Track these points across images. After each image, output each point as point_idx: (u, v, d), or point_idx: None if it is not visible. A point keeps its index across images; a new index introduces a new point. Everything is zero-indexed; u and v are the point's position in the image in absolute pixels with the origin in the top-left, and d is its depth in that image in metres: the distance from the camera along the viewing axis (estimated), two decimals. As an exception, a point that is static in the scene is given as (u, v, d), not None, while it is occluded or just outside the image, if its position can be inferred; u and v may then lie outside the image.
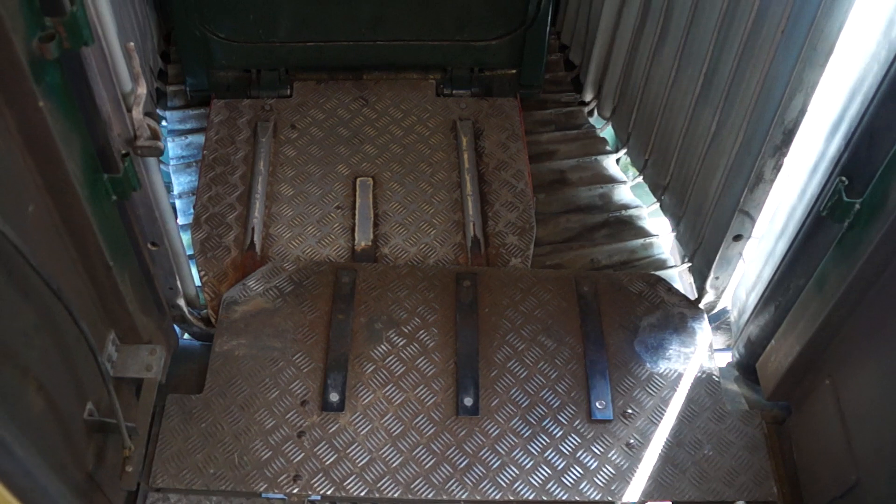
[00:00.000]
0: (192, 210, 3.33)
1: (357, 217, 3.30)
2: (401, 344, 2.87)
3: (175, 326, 2.90)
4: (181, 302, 2.85)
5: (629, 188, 3.61)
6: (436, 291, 3.01)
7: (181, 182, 3.55)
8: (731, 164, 2.81)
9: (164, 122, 3.74)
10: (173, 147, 3.65)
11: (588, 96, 3.93)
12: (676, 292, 3.07)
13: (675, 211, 3.31)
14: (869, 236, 2.20)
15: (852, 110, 2.27)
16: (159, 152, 2.27)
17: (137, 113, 2.20)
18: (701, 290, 3.07)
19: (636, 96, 3.48)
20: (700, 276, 3.09)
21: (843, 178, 2.29)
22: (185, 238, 3.19)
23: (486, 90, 3.79)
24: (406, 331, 2.90)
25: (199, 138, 3.65)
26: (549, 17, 3.64)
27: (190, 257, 3.02)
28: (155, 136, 2.25)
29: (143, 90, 2.22)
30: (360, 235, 3.24)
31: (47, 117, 1.78)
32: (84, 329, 1.90)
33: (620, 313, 3.00)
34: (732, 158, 2.80)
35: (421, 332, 2.90)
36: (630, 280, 3.10)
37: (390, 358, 2.83)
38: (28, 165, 1.84)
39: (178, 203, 3.46)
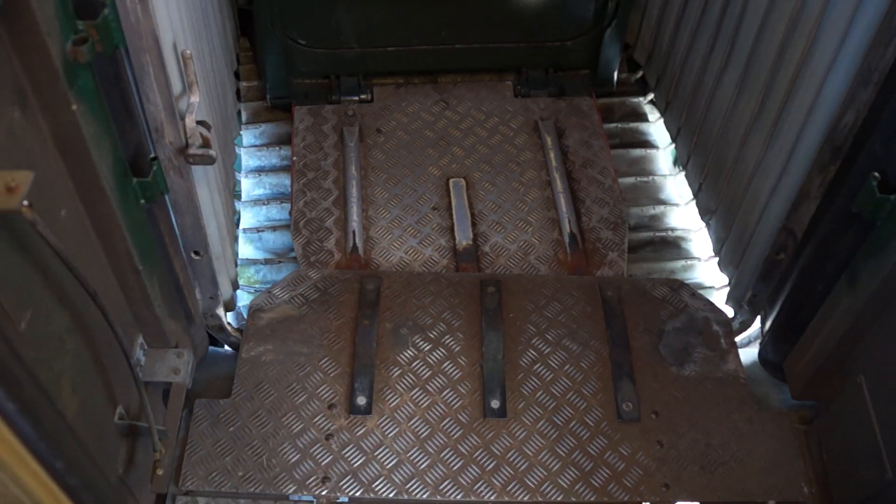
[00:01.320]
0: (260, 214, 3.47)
1: (455, 217, 3.37)
2: (427, 349, 2.89)
3: (207, 333, 2.93)
4: (220, 311, 2.89)
5: (681, 211, 3.61)
6: (460, 297, 3.03)
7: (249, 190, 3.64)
8: (777, 182, 2.79)
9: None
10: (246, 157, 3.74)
11: (654, 116, 3.93)
12: (700, 297, 3.08)
13: (720, 235, 3.30)
14: None
15: (856, 102, 2.27)
16: (210, 161, 2.31)
17: (190, 121, 2.25)
18: (739, 307, 3.07)
19: (699, 120, 3.47)
20: (739, 291, 3.08)
21: (876, 174, 2.28)
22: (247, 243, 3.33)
23: (560, 90, 3.86)
24: (432, 336, 2.92)
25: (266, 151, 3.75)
26: (626, 18, 3.70)
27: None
28: (206, 144, 2.29)
29: (196, 98, 2.26)
30: (460, 235, 3.30)
31: (80, 121, 1.81)
32: (118, 332, 1.93)
33: (644, 317, 3.00)
34: (778, 177, 2.79)
35: (446, 337, 2.92)
36: (653, 285, 3.10)
37: (416, 362, 2.85)
38: (60, 169, 1.87)
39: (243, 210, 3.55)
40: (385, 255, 3.24)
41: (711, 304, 3.06)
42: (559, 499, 2.59)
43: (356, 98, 3.80)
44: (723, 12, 3.14)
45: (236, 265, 3.19)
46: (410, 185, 3.48)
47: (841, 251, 2.52)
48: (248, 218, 3.55)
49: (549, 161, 3.56)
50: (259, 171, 3.71)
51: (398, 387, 2.79)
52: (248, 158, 3.73)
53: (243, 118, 3.88)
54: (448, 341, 2.91)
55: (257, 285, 3.31)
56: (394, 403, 2.75)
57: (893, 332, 2.33)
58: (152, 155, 2.17)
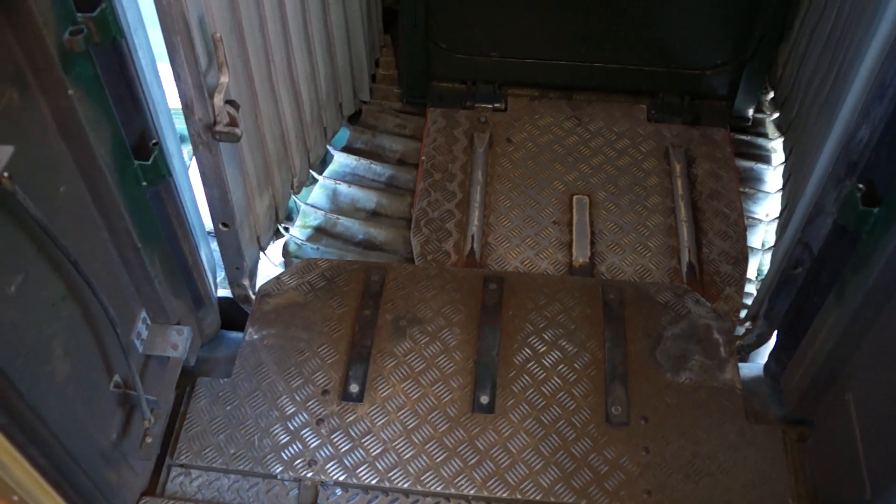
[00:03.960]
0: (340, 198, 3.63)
1: (574, 233, 3.41)
2: (423, 342, 2.96)
3: (219, 316, 3.05)
4: (246, 282, 3.02)
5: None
6: (462, 293, 3.09)
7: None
8: (794, 194, 2.78)
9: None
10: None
11: (777, 159, 3.88)
12: (704, 304, 3.09)
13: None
14: (885, 244, 2.19)
15: (871, 117, 2.26)
16: (236, 138, 2.42)
17: (219, 100, 2.36)
18: (755, 320, 3.07)
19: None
20: (757, 304, 3.08)
21: (860, 186, 2.28)
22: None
23: (694, 118, 3.84)
24: (430, 329, 2.99)
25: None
26: (770, 53, 3.67)
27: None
28: (233, 122, 2.41)
29: (225, 78, 2.37)
30: (577, 252, 3.35)
31: (77, 105, 1.93)
32: (103, 300, 2.04)
33: (645, 322, 3.03)
34: (800, 190, 2.78)
35: (444, 332, 2.99)
36: (658, 290, 3.12)
37: (412, 354, 2.92)
38: (61, 149, 1.99)
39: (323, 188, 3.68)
40: (500, 263, 3.32)
41: (715, 312, 3.07)
42: (538, 498, 2.63)
43: (490, 106, 3.88)
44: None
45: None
46: (534, 196, 3.55)
47: (833, 264, 2.52)
48: (334, 164, 3.73)
49: (676, 188, 3.56)
50: (370, 127, 3.87)
51: (391, 377, 2.87)
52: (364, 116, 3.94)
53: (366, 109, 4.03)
54: (445, 335, 2.98)
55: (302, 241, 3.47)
56: (385, 393, 2.83)
57: (879, 350, 2.33)
58: (154, 140, 2.28)
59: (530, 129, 3.81)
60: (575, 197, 3.54)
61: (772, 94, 3.99)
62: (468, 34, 3.76)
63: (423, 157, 3.68)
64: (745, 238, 3.40)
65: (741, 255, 3.34)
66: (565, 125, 3.83)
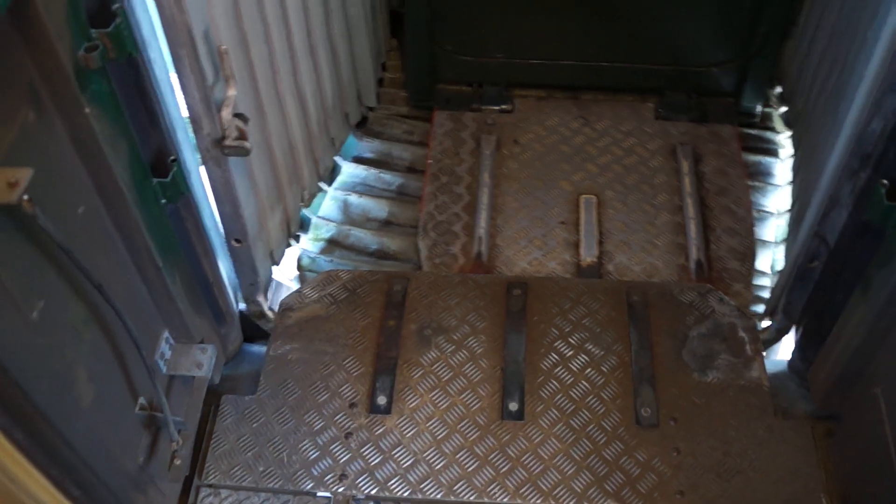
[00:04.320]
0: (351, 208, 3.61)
1: (582, 233, 3.39)
2: (449, 350, 2.93)
3: (241, 332, 3.03)
4: (261, 298, 2.99)
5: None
6: (486, 300, 3.06)
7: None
8: (809, 190, 2.76)
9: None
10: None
11: (786, 153, 3.84)
12: (728, 303, 3.05)
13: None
14: None
15: (883, 109, 2.24)
16: (245, 152, 2.40)
17: (227, 114, 2.34)
18: (773, 314, 3.04)
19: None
20: (775, 299, 3.06)
21: (885, 182, 2.25)
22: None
23: (701, 116, 3.82)
24: (455, 337, 2.96)
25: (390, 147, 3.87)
26: (776, 49, 3.66)
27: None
28: (242, 136, 2.38)
29: (232, 92, 2.35)
30: (585, 251, 3.33)
31: (93, 123, 1.91)
32: (128, 323, 2.02)
33: (669, 323, 2.99)
34: (815, 183, 2.77)
35: (470, 339, 2.96)
36: (681, 290, 3.09)
37: (438, 364, 2.89)
38: (77, 168, 1.97)
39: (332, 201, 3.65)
40: (508, 265, 3.29)
41: (739, 310, 3.04)
42: (572, 503, 2.60)
43: (497, 108, 3.86)
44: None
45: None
46: (541, 197, 3.52)
47: (857, 260, 2.50)
48: (343, 174, 3.71)
49: (684, 186, 3.54)
50: (377, 136, 3.85)
51: (419, 388, 2.84)
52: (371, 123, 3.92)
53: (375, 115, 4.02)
54: (471, 343, 2.95)
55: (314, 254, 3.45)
56: (413, 404, 2.80)
57: None
58: (172, 157, 2.26)
59: (537, 129, 3.79)
60: (582, 197, 3.51)
61: (779, 89, 3.96)
62: (473, 36, 3.75)
63: (429, 161, 3.66)
64: (753, 234, 3.37)
65: (749, 251, 3.30)
66: (572, 125, 3.80)
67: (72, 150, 1.94)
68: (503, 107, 3.86)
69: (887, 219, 2.25)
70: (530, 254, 3.32)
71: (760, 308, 3.23)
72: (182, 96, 2.30)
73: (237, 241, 2.73)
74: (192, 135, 2.45)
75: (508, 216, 3.46)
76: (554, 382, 2.85)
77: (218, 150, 2.41)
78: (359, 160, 3.78)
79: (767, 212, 3.57)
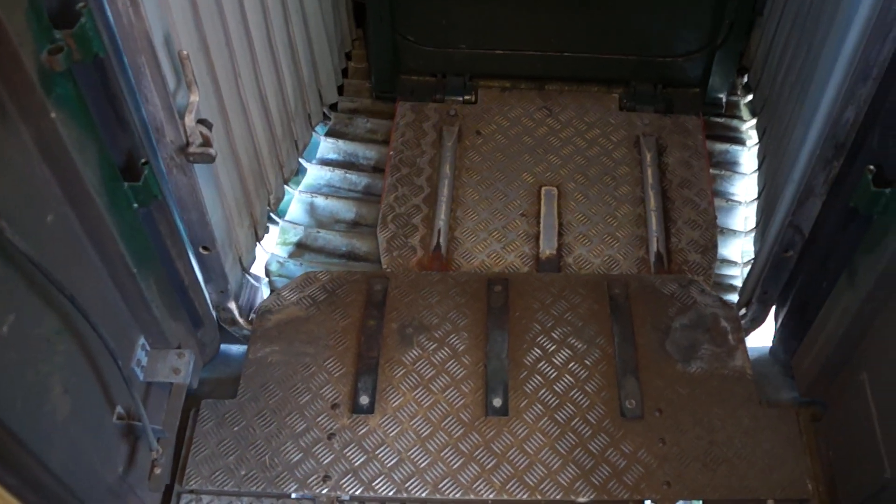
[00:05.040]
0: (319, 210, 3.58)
1: (542, 225, 3.37)
2: (431, 348, 2.90)
3: (218, 333, 2.99)
4: (232, 305, 2.95)
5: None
6: (467, 297, 3.04)
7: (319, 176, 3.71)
8: (783, 180, 2.76)
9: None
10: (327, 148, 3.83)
11: (752, 141, 3.84)
12: (710, 293, 3.05)
13: None
14: None
15: (856, 97, 2.24)
16: (210, 159, 2.36)
17: (190, 120, 2.30)
18: (748, 305, 3.04)
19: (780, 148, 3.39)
20: (749, 288, 3.05)
21: (871, 167, 2.25)
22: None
23: (667, 106, 3.80)
24: (437, 335, 2.94)
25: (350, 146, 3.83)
26: (741, 39, 3.65)
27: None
28: (206, 143, 2.34)
29: (195, 97, 2.30)
30: (544, 244, 3.30)
31: (60, 128, 1.86)
32: (102, 333, 1.98)
33: (652, 314, 2.98)
34: (785, 174, 2.76)
35: (451, 337, 2.93)
36: (662, 282, 3.08)
37: (420, 362, 2.87)
38: (46, 176, 1.92)
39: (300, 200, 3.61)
40: (467, 257, 3.27)
41: (721, 300, 3.03)
42: (558, 497, 2.59)
43: (460, 98, 3.84)
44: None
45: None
46: (502, 189, 3.50)
47: (842, 247, 2.50)
48: (308, 177, 3.68)
49: (646, 178, 3.52)
50: (341, 136, 3.81)
51: (401, 386, 2.81)
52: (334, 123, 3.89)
53: (340, 107, 3.99)
54: (453, 340, 2.92)
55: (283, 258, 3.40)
56: (396, 403, 2.77)
57: (894, 329, 2.30)
58: (143, 160, 2.22)
59: (500, 120, 3.76)
60: (543, 188, 3.49)
61: (745, 78, 3.96)
62: (436, 26, 3.71)
63: (391, 153, 3.63)
64: (715, 226, 3.36)
65: (710, 243, 3.29)
66: (536, 116, 3.78)
67: (38, 158, 1.88)
68: (466, 97, 3.83)
69: (874, 205, 2.24)
70: (489, 246, 3.30)
71: (731, 297, 3.22)
72: (142, 103, 2.25)
73: (205, 248, 2.68)
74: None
75: (468, 208, 3.43)
76: (537, 377, 2.83)
77: (182, 157, 2.35)
78: (324, 162, 3.75)
79: (735, 200, 3.56)
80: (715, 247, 3.29)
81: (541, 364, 2.86)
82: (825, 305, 2.58)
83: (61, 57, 1.79)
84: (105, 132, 2.07)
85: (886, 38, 2.14)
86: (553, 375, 2.83)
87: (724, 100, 3.82)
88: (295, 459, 2.65)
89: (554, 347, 2.90)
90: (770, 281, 2.88)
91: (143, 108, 2.22)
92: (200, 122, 2.35)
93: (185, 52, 2.26)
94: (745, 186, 3.64)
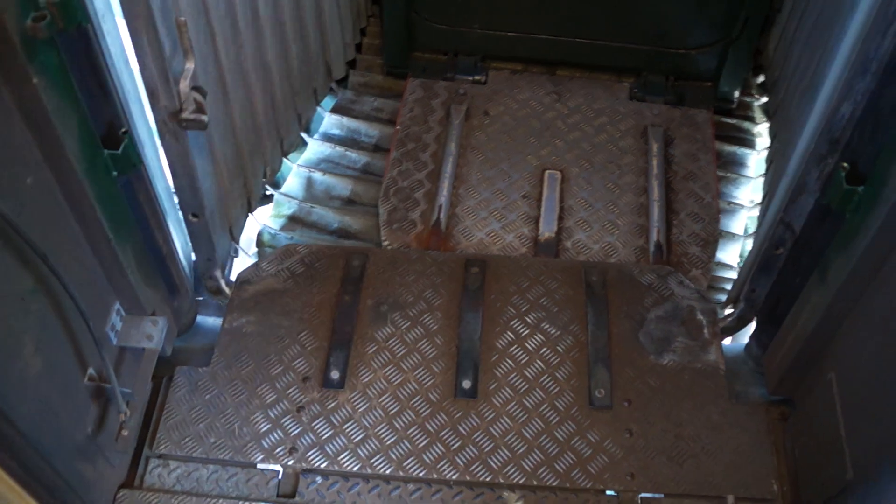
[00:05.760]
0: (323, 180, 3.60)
1: (543, 208, 3.39)
2: (405, 326, 2.93)
3: (195, 303, 3.02)
4: (218, 273, 2.97)
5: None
6: (444, 277, 3.06)
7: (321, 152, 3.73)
8: (776, 176, 2.75)
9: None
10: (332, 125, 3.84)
11: (762, 144, 3.83)
12: (688, 285, 3.07)
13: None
14: (869, 224, 2.17)
15: (853, 92, 2.23)
16: (203, 126, 2.37)
17: (185, 86, 2.31)
18: (735, 302, 3.05)
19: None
20: (738, 286, 3.06)
21: (845, 164, 2.26)
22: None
23: (678, 99, 3.80)
24: (411, 314, 2.96)
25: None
26: (756, 34, 3.63)
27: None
28: (200, 109, 2.35)
29: (191, 64, 2.31)
30: (544, 226, 3.33)
31: (41, 94, 1.88)
32: (73, 293, 2.00)
33: (628, 304, 3.00)
34: (783, 169, 2.76)
35: (425, 316, 2.96)
36: (640, 271, 3.10)
37: (393, 340, 2.89)
38: (27, 139, 1.94)
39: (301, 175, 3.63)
40: (466, 234, 3.30)
41: (699, 293, 3.05)
42: (521, 481, 2.62)
43: (471, 78, 3.86)
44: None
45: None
46: (506, 170, 3.52)
47: (816, 244, 2.50)
48: (308, 151, 3.70)
49: (651, 168, 3.53)
50: (346, 112, 3.82)
51: (372, 363, 2.84)
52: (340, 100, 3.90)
53: (350, 82, 4.02)
54: (427, 320, 2.95)
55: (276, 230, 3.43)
56: (366, 379, 2.80)
57: (862, 329, 2.32)
58: (123, 129, 2.23)
59: (509, 102, 3.78)
60: (547, 172, 3.52)
61: (762, 78, 3.96)
62: (451, 5, 3.73)
63: (398, 126, 3.65)
64: (717, 221, 3.37)
65: (711, 237, 3.31)
66: (545, 100, 3.79)
67: (20, 121, 1.90)
68: (476, 77, 3.86)
69: (846, 203, 2.25)
70: (489, 225, 3.33)
71: (723, 297, 3.24)
72: (138, 67, 2.26)
73: (194, 215, 2.71)
74: (148, 107, 2.42)
75: (471, 187, 3.46)
76: (508, 361, 2.86)
77: (175, 123, 2.38)
78: (326, 137, 3.75)
79: (738, 204, 3.57)
80: (716, 241, 3.30)
81: (513, 348, 2.89)
82: (796, 303, 2.60)
83: (44, 25, 1.81)
84: (87, 100, 2.08)
85: (887, 33, 2.12)
86: (524, 360, 2.86)
87: (736, 95, 3.82)
88: (263, 430, 2.68)
89: (527, 332, 2.93)
90: (759, 279, 2.89)
91: (123, 78, 2.23)
92: (195, 88, 2.36)
93: (182, 19, 2.26)
94: (749, 191, 3.64)
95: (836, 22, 2.84)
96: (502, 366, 2.85)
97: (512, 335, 2.91)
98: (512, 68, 3.93)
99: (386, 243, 3.26)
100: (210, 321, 3.06)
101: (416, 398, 2.77)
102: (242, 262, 3.22)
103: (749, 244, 3.42)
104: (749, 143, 3.81)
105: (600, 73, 3.92)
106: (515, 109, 3.76)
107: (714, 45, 3.69)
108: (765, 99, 3.90)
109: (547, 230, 3.31)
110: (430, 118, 3.70)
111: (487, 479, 2.62)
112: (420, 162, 3.53)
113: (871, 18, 2.15)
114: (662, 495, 2.63)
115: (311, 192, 3.56)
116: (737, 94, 3.81)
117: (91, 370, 2.31)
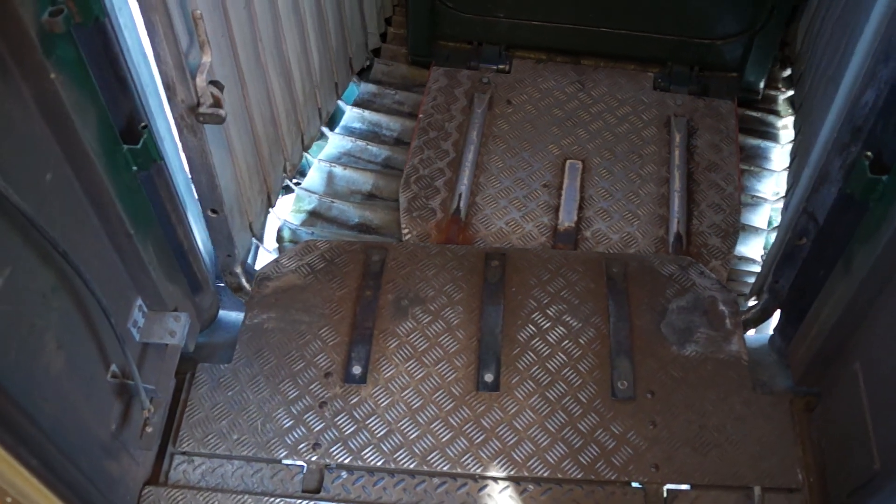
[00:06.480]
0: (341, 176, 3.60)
1: (563, 198, 3.39)
2: (426, 321, 2.92)
3: (218, 299, 3.01)
4: (238, 269, 2.97)
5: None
6: (464, 270, 3.05)
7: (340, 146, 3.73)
8: (800, 167, 2.72)
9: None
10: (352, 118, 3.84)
11: (787, 138, 3.79)
12: (709, 276, 3.04)
13: None
14: (893, 214, 2.15)
15: (877, 79, 2.20)
16: (220, 120, 2.37)
17: (202, 80, 2.30)
18: (759, 294, 3.02)
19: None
20: (762, 277, 3.03)
21: (869, 154, 2.23)
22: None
23: (702, 89, 3.78)
24: (432, 308, 2.95)
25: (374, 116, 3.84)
26: (782, 24, 3.60)
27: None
28: (217, 104, 2.35)
29: (207, 58, 2.30)
30: (563, 216, 3.32)
31: (60, 89, 1.88)
32: (94, 290, 2.00)
33: (649, 295, 2.98)
34: (803, 161, 2.72)
35: (446, 310, 2.94)
36: (661, 263, 3.08)
37: (414, 334, 2.88)
38: (45, 135, 1.94)
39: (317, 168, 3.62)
40: (485, 223, 3.30)
41: (720, 283, 3.03)
42: (545, 475, 2.60)
43: (494, 67, 3.86)
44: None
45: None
46: (527, 159, 3.52)
47: (840, 234, 2.47)
48: (330, 146, 3.70)
49: (673, 158, 3.51)
50: (367, 106, 3.83)
51: (394, 358, 2.83)
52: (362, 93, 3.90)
53: (374, 70, 4.02)
54: (448, 314, 2.93)
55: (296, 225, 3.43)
56: (388, 374, 2.79)
57: (887, 319, 2.29)
58: (143, 124, 2.23)
59: (532, 91, 3.77)
60: (568, 161, 3.50)
61: (788, 71, 3.92)
62: None
63: (420, 115, 3.65)
64: (738, 212, 3.34)
65: (732, 228, 3.28)
66: (568, 89, 3.78)
67: (39, 117, 1.90)
68: (500, 67, 3.85)
69: (870, 192, 2.22)
70: (508, 214, 3.32)
71: (747, 291, 3.21)
72: (155, 62, 2.26)
73: (213, 211, 2.71)
74: (166, 101, 2.42)
75: (492, 175, 3.45)
76: (530, 354, 2.84)
77: (192, 117, 2.37)
78: (347, 131, 3.75)
79: (761, 197, 3.54)
80: (737, 232, 3.27)
81: (534, 341, 2.87)
82: (821, 294, 2.57)
83: (61, 19, 1.82)
84: (105, 95, 2.08)
85: None
86: (546, 353, 2.84)
87: (761, 86, 3.79)
88: (286, 426, 2.68)
89: (548, 325, 2.91)
90: (782, 270, 2.85)
91: (141, 72, 2.23)
92: (212, 83, 2.36)
93: (198, 13, 2.26)
94: (772, 184, 3.62)
95: (861, 10, 2.81)
96: (524, 359, 2.83)
97: (533, 328, 2.90)
98: (536, 57, 3.92)
99: (405, 231, 3.26)
100: (232, 316, 3.06)
101: (439, 392, 2.76)
102: (263, 258, 3.22)
103: (772, 238, 3.39)
104: (773, 136, 3.78)
105: (625, 63, 3.90)
106: (538, 98, 3.75)
107: (740, 35, 3.66)
108: (790, 92, 3.86)
109: (567, 220, 3.30)
110: (453, 106, 3.70)
111: (512, 473, 2.61)
112: (441, 150, 3.53)
113: (895, 4, 2.12)
114: (689, 486, 2.61)
115: (332, 187, 3.56)
116: (762, 84, 3.78)
117: (114, 367, 2.31)
